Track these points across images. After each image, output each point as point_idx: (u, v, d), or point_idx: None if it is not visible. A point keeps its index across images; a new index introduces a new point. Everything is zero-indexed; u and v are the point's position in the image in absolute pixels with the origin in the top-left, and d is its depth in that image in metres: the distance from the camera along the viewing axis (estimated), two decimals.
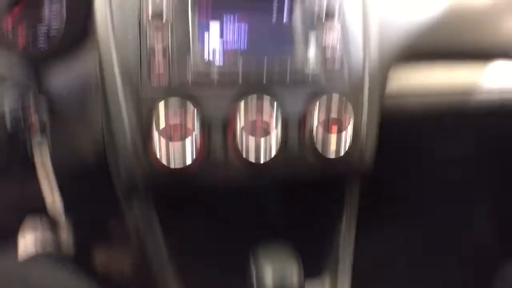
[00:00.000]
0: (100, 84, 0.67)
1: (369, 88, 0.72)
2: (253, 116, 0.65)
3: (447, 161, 1.19)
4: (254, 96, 0.66)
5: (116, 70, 0.65)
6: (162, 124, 0.62)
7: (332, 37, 0.70)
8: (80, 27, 0.72)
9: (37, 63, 0.71)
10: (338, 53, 0.70)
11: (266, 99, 0.66)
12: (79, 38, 0.73)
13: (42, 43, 0.72)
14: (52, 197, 0.74)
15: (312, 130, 0.67)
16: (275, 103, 0.66)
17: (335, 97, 0.67)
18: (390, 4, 0.79)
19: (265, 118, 0.65)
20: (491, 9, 0.93)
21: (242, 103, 0.65)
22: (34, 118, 0.69)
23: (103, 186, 0.76)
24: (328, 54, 0.69)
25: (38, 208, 0.77)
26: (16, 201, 0.82)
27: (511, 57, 0.91)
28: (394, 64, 0.78)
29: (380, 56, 0.74)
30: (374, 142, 0.74)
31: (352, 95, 0.70)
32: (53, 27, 0.72)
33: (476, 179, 1.26)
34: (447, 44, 0.83)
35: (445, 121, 0.93)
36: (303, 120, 0.68)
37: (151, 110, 0.64)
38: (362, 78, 0.71)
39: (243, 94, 0.66)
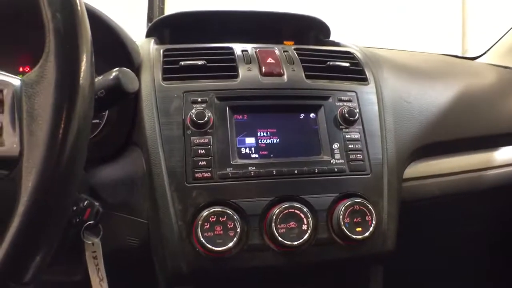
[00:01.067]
0: (147, 178, 0.76)
1: (389, 179, 0.81)
2: (285, 210, 0.73)
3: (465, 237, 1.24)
4: (287, 193, 0.76)
5: (163, 166, 0.74)
6: (206, 225, 0.70)
7: (354, 138, 0.81)
8: (125, 129, 0.82)
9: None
10: (359, 152, 0.80)
11: (297, 196, 0.76)
12: (124, 139, 0.82)
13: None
14: (99, 279, 0.78)
15: (339, 222, 0.75)
16: (305, 201, 0.75)
17: (359, 198, 0.76)
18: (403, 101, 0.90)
19: (296, 211, 0.73)
20: (494, 95, 1.04)
21: (276, 200, 0.75)
22: (87, 206, 0.73)
23: (146, 273, 0.81)
24: (351, 153, 0.80)
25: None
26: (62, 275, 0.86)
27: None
28: (410, 157, 0.88)
29: (397, 151, 0.84)
30: (396, 225, 0.81)
31: (374, 189, 0.80)
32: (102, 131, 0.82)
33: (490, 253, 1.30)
34: (459, 135, 0.94)
35: (461, 199, 1.00)
36: (330, 214, 0.76)
37: (195, 202, 0.72)
38: (382, 171, 0.81)
39: (276, 191, 0.75)
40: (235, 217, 0.71)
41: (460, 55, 1.45)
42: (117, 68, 0.67)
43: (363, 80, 0.88)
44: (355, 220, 0.75)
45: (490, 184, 0.97)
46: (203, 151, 0.75)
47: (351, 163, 0.79)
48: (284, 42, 1.11)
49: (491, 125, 0.99)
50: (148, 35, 1.06)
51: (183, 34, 1.07)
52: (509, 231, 1.25)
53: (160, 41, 1.01)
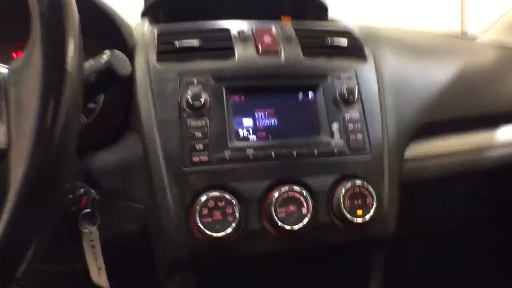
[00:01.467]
0: (144, 163, 0.74)
1: (389, 160, 0.79)
2: (284, 193, 0.72)
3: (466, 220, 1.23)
4: (286, 176, 0.74)
5: (159, 150, 0.72)
6: (205, 210, 0.69)
7: (353, 117, 0.79)
8: (121, 113, 0.79)
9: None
10: (359, 132, 0.78)
11: (297, 179, 0.74)
12: (120, 123, 0.79)
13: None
14: (97, 268, 0.77)
15: (339, 205, 0.73)
16: (304, 183, 0.74)
17: (359, 180, 0.75)
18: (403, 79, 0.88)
19: (296, 195, 0.72)
20: (495, 73, 1.02)
21: (275, 183, 0.73)
22: (84, 194, 0.72)
23: (145, 260, 0.80)
24: (351, 133, 0.78)
25: (82, 278, 0.80)
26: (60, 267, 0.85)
27: None
28: (410, 137, 0.86)
29: (398, 130, 0.82)
30: (396, 208, 0.79)
31: (374, 170, 0.78)
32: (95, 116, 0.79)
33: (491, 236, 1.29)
34: (460, 113, 0.92)
35: (462, 180, 0.98)
36: (331, 196, 0.75)
37: (193, 187, 0.71)
38: (382, 152, 0.79)
39: (275, 174, 0.74)
40: (233, 202, 0.70)
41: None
42: (108, 51, 0.64)
43: (362, 57, 0.86)
44: (355, 202, 0.73)
45: (492, 164, 0.96)
46: (199, 134, 0.73)
47: (351, 143, 0.77)
48: (282, 18, 1.09)
49: (493, 103, 0.97)
50: (144, 15, 1.03)
51: (178, 14, 1.04)
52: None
53: (155, 21, 0.98)
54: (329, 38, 0.85)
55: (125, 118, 0.79)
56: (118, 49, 0.66)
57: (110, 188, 0.76)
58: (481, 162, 0.95)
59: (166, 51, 0.79)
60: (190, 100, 0.73)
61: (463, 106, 0.94)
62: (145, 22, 0.89)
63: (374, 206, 0.74)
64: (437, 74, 0.93)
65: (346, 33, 0.90)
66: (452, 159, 0.92)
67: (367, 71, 0.84)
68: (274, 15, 1.04)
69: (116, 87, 0.72)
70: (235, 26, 0.86)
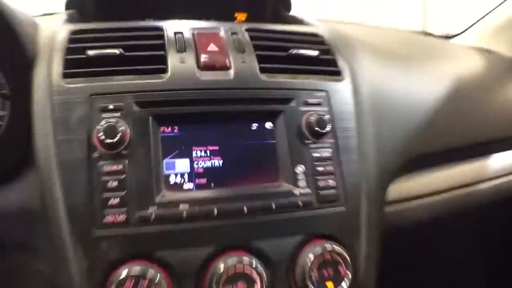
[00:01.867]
0: (44, 220, 0.55)
1: (368, 211, 0.62)
2: (231, 267, 0.54)
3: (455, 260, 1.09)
4: (233, 241, 0.56)
5: (61, 203, 0.54)
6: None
7: (324, 156, 0.61)
8: (18, 150, 0.59)
9: None
10: (331, 176, 0.61)
11: (247, 244, 0.57)
12: (17, 163, 0.60)
13: None
14: None
15: (304, 277, 0.56)
16: (258, 249, 0.57)
17: (330, 243, 0.58)
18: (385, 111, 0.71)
19: (246, 268, 0.54)
20: (487, 90, 0.87)
21: (218, 251, 0.55)
22: None
23: None
24: (320, 179, 0.60)
25: None
26: None
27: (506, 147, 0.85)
28: (394, 175, 0.69)
29: (379, 169, 0.65)
30: (375, 271, 0.63)
31: (349, 227, 0.61)
32: None
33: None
34: (444, 144, 0.77)
35: (450, 220, 0.84)
36: (293, 265, 0.58)
37: (107, 257, 0.53)
38: (360, 201, 0.62)
39: (218, 238, 0.56)
40: (161, 279, 0.52)
41: (434, 33, 1.28)
42: None
43: (336, 74, 0.68)
44: (325, 273, 0.56)
45: (484, 200, 0.81)
46: (115, 183, 0.54)
47: (320, 192, 0.60)
48: (236, 14, 0.89)
49: (487, 129, 0.82)
50: (68, 7, 0.81)
51: (111, 8, 0.83)
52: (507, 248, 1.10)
53: (82, 17, 0.78)
54: (294, 47, 0.67)
55: (26, 148, 0.59)
56: (14, 60, 0.52)
57: (7, 240, 0.59)
58: (473, 199, 0.80)
59: (76, 61, 0.60)
60: (103, 134, 0.54)
61: (455, 134, 0.78)
62: (62, 18, 0.70)
63: (348, 276, 0.57)
64: (425, 90, 0.77)
65: (315, 40, 0.72)
66: (440, 198, 0.76)
67: (342, 91, 0.66)
68: (228, 9, 0.86)
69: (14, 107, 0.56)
70: (172, 27, 0.66)
